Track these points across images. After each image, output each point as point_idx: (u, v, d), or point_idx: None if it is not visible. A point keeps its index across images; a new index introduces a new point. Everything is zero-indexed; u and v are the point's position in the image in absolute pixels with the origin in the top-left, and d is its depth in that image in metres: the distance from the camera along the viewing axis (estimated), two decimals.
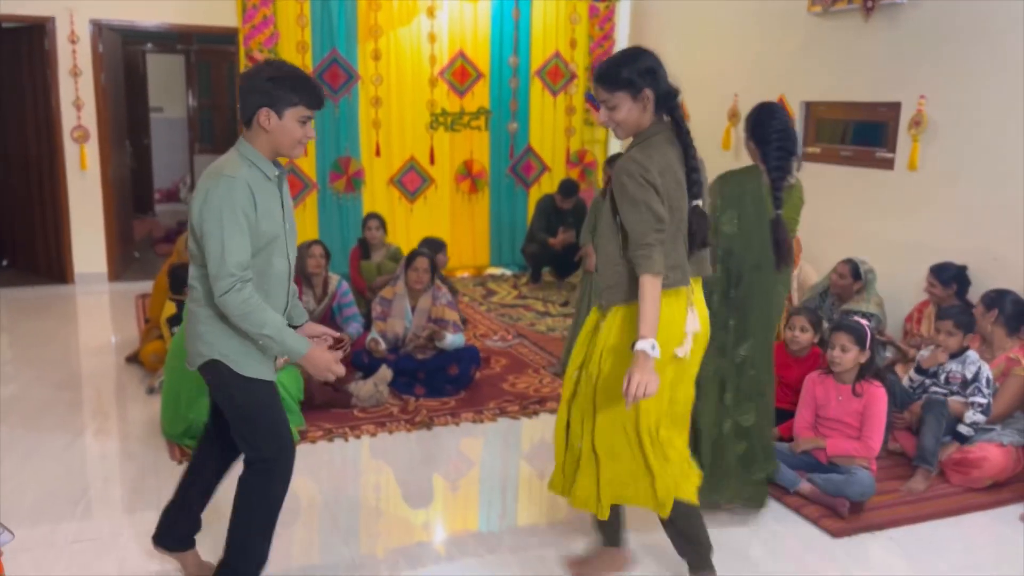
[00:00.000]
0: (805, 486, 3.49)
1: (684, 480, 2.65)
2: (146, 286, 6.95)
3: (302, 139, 2.44)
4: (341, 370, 2.50)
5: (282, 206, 2.50)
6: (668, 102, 2.47)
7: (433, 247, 5.73)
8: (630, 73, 2.42)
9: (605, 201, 2.56)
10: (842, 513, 3.36)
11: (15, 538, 2.10)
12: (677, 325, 2.49)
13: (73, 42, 6.78)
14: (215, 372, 2.49)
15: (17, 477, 3.60)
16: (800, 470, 3.58)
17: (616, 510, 2.80)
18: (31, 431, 4.09)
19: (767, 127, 3.18)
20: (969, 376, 3.82)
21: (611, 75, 2.45)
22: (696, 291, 2.60)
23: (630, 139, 2.57)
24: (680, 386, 2.61)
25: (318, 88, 2.44)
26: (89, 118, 6.95)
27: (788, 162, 3.16)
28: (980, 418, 3.76)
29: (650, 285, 2.36)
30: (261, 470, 2.55)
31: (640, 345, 2.32)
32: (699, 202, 2.50)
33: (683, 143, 2.48)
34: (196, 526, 2.82)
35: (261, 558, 2.64)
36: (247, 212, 2.33)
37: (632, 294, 2.45)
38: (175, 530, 2.80)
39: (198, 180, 2.40)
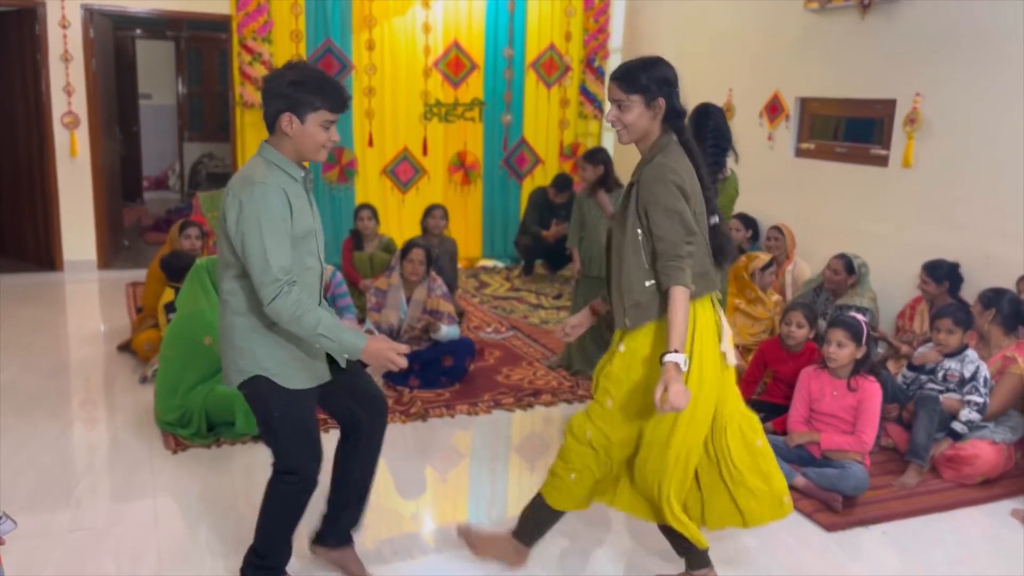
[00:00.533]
0: (799, 480, 3.51)
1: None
2: (135, 274, 6.93)
3: (325, 143, 2.39)
4: (403, 362, 2.42)
5: (311, 206, 2.47)
6: (675, 119, 2.49)
7: (431, 211, 6.04)
8: (648, 79, 2.43)
9: (620, 205, 2.55)
10: (836, 507, 3.39)
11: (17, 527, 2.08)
12: (711, 332, 2.49)
13: (64, 27, 6.70)
14: (255, 387, 2.46)
15: (11, 466, 3.58)
16: (794, 464, 3.60)
17: (551, 519, 2.84)
18: (24, 420, 4.06)
19: (703, 127, 3.54)
20: (967, 375, 3.85)
21: (630, 77, 2.45)
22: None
23: (631, 144, 2.56)
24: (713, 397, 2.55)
25: (341, 91, 2.38)
26: (80, 104, 6.88)
27: (722, 158, 3.49)
28: (975, 417, 3.78)
29: (680, 297, 2.34)
30: (288, 481, 2.55)
31: (672, 358, 2.30)
32: (716, 218, 2.52)
33: (693, 162, 2.49)
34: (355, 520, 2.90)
35: (287, 551, 2.70)
36: (284, 216, 2.32)
37: (664, 309, 2.41)
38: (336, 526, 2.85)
39: (228, 192, 2.35)
